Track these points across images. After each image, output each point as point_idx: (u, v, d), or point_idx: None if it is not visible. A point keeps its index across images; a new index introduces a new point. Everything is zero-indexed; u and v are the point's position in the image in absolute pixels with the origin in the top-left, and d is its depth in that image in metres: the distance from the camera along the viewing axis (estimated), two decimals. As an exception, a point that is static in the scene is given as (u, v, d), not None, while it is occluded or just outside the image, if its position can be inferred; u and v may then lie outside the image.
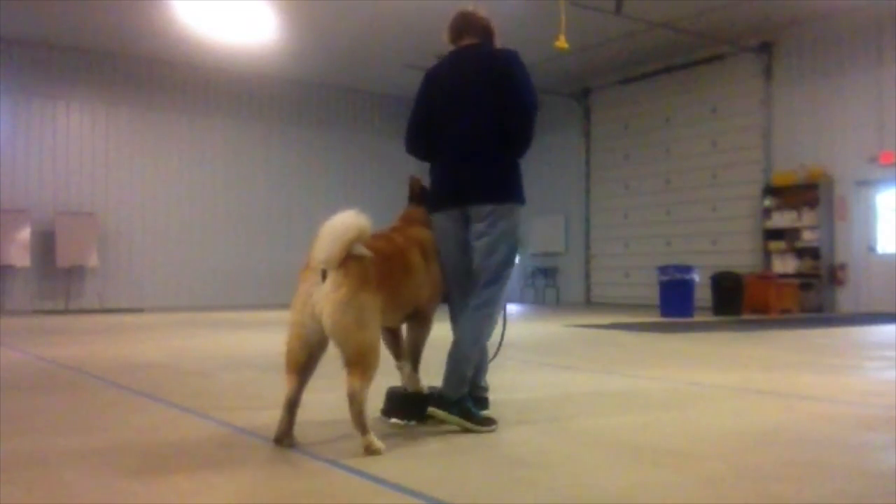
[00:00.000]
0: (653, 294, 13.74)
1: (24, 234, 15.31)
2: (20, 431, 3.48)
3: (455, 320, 3.74)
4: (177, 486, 2.58)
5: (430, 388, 3.70)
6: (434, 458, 2.93)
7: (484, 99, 3.63)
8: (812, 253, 14.14)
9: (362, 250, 3.06)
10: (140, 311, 15.44)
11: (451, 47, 3.90)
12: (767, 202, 14.76)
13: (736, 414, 3.98)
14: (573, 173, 18.52)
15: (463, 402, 3.43)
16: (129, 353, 7.05)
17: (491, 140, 3.62)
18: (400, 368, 3.65)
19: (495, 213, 3.57)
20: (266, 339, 8.83)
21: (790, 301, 13.62)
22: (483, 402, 3.71)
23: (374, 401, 3.74)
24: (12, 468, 2.80)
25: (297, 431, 3.20)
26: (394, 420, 3.57)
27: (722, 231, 15.72)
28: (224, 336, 9.16)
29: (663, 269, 13.02)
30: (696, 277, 12.76)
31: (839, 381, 5.16)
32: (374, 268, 3.11)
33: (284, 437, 3.10)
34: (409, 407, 3.56)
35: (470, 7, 3.90)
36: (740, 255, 15.07)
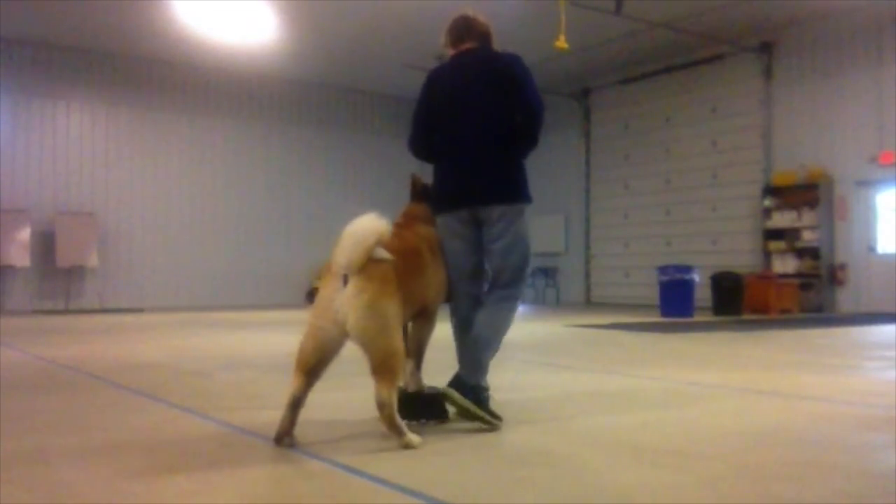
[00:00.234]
0: (653, 294, 13.74)
1: (24, 234, 15.31)
2: (20, 431, 3.48)
3: (458, 319, 3.76)
4: (177, 486, 2.58)
5: (430, 388, 3.70)
6: (434, 458, 2.93)
7: (490, 101, 3.68)
8: (812, 253, 14.14)
9: (383, 254, 3.09)
10: (140, 311, 15.44)
11: (448, 50, 3.92)
12: (767, 202, 14.76)
13: (736, 414, 3.98)
14: (573, 173, 18.52)
15: (479, 390, 3.48)
16: (129, 353, 7.05)
17: (498, 141, 3.67)
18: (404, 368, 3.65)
19: (508, 215, 3.63)
20: (266, 339, 8.83)
21: (790, 301, 13.61)
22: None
23: (371, 399, 3.75)
24: (12, 468, 2.80)
25: (298, 431, 3.20)
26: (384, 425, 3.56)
27: (722, 231, 15.72)
28: (224, 336, 9.16)
29: (663, 269, 13.02)
30: (696, 277, 12.76)
31: (839, 381, 5.16)
32: (394, 271, 3.14)
33: (285, 436, 3.11)
34: (410, 407, 3.56)
35: (470, 11, 3.91)
36: (740, 255, 15.08)
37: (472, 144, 3.68)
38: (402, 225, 3.66)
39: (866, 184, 13.77)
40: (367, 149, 20.00)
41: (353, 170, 19.75)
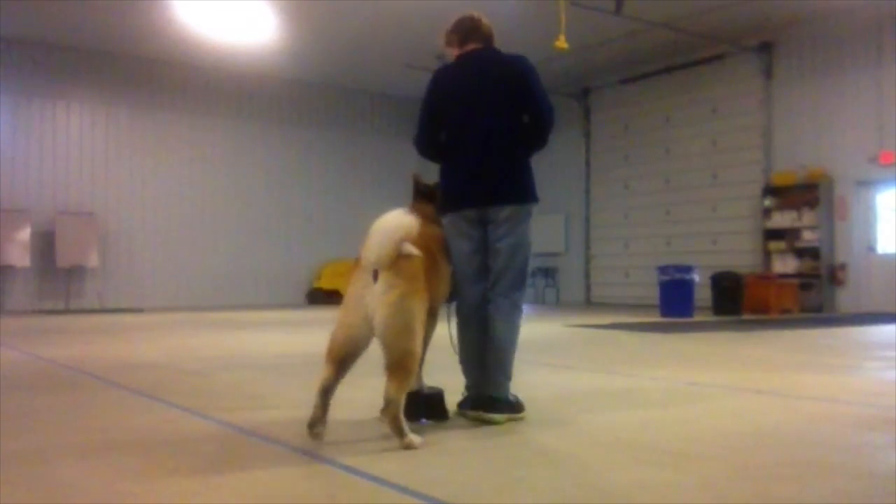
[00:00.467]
0: (653, 294, 13.74)
1: (24, 234, 15.31)
2: (20, 431, 3.48)
3: (461, 318, 3.78)
4: (177, 486, 2.58)
5: (430, 388, 3.70)
6: (434, 458, 2.93)
7: (499, 101, 3.71)
8: (812, 253, 14.14)
9: (411, 249, 3.10)
10: (140, 311, 15.43)
11: (451, 49, 3.92)
12: (767, 202, 14.76)
13: (736, 414, 3.98)
14: (573, 173, 18.52)
15: (508, 399, 3.63)
16: (129, 353, 7.05)
17: (507, 142, 3.71)
18: None
19: (517, 215, 3.68)
20: (266, 339, 8.83)
21: (790, 301, 13.61)
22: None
23: (376, 400, 3.75)
24: (12, 468, 2.80)
25: (296, 431, 3.20)
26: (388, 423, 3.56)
27: (722, 231, 15.72)
28: (223, 336, 9.16)
29: (663, 269, 13.01)
30: (696, 277, 12.76)
31: (839, 381, 5.16)
32: (422, 268, 3.17)
33: (317, 424, 3.11)
34: (410, 407, 3.56)
35: (475, 13, 3.93)
36: (740, 255, 15.07)
37: (481, 144, 3.71)
38: None
39: (866, 184, 13.77)
40: (367, 149, 20.00)
41: (353, 170, 19.75)
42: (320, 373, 3.16)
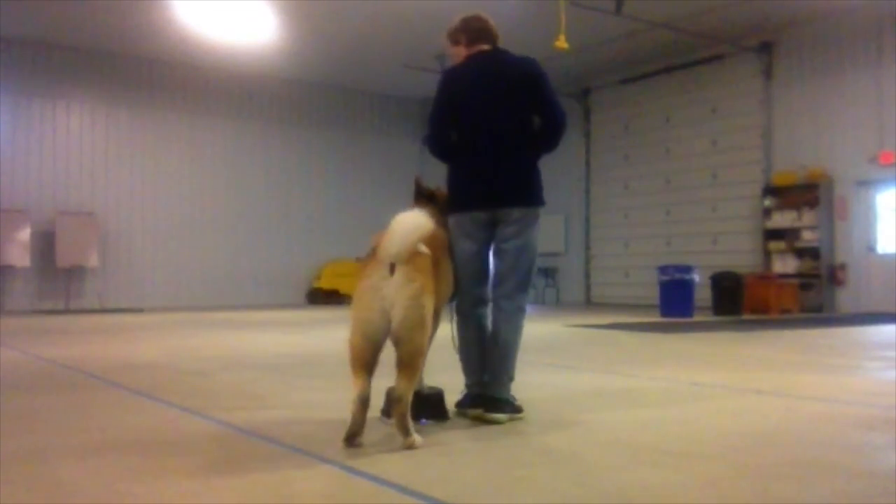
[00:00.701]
0: (653, 294, 13.74)
1: (24, 234, 15.31)
2: (20, 431, 3.48)
3: (461, 317, 3.80)
4: (177, 486, 2.58)
5: (430, 388, 3.70)
6: (434, 458, 2.93)
7: (514, 104, 3.73)
8: (812, 253, 14.14)
9: (424, 248, 3.15)
10: (140, 311, 15.44)
11: (456, 49, 3.91)
12: (767, 202, 14.76)
13: (736, 414, 3.98)
14: (573, 173, 18.52)
15: (509, 399, 3.64)
16: (128, 353, 7.05)
17: (521, 144, 3.74)
18: None
19: (526, 217, 3.70)
20: (266, 339, 8.83)
21: (790, 301, 13.61)
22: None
23: (375, 400, 3.74)
24: (12, 467, 2.80)
25: (296, 431, 3.20)
26: (394, 420, 3.56)
27: (722, 231, 15.72)
28: (223, 336, 9.16)
29: (663, 269, 13.01)
30: (696, 277, 12.76)
31: (839, 381, 5.16)
32: (432, 267, 3.22)
33: (357, 436, 3.06)
34: (410, 406, 3.56)
35: (483, 14, 3.93)
36: (740, 255, 15.07)
37: (494, 146, 3.72)
38: None
39: (866, 184, 13.77)
40: (367, 149, 20.00)
41: (353, 170, 19.75)
42: (353, 385, 3.08)
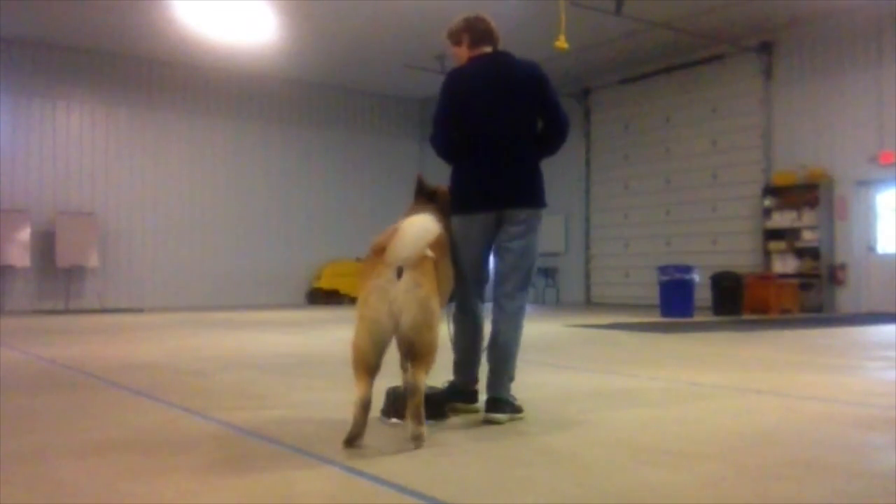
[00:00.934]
0: (653, 294, 13.74)
1: (24, 234, 15.31)
2: (20, 431, 3.48)
3: (460, 314, 3.81)
4: (177, 486, 2.58)
5: (430, 388, 3.70)
6: (434, 458, 2.93)
7: (520, 106, 3.78)
8: (812, 253, 14.14)
9: (430, 252, 3.18)
10: (140, 311, 15.44)
11: (459, 49, 3.93)
12: (767, 202, 14.76)
13: (736, 414, 3.98)
14: (573, 173, 18.52)
15: (510, 400, 3.65)
16: (128, 353, 7.05)
17: (527, 146, 3.79)
18: (405, 367, 3.65)
19: (531, 219, 3.75)
20: (265, 339, 8.83)
21: (790, 301, 13.61)
22: (472, 396, 3.85)
23: (375, 401, 3.75)
24: (12, 467, 2.80)
25: (296, 431, 3.20)
26: (393, 420, 3.57)
27: (722, 231, 15.72)
28: (223, 336, 9.16)
29: (663, 269, 13.02)
30: (696, 277, 12.76)
31: (839, 381, 5.16)
32: (435, 269, 3.25)
33: (358, 439, 3.06)
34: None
35: (485, 15, 3.95)
36: (740, 255, 15.07)
37: (502, 147, 3.75)
38: None
39: (866, 184, 13.76)
40: (367, 149, 20.01)
41: (353, 170, 19.76)
42: (355, 388, 3.08)
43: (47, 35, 15.46)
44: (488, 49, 3.90)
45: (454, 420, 3.65)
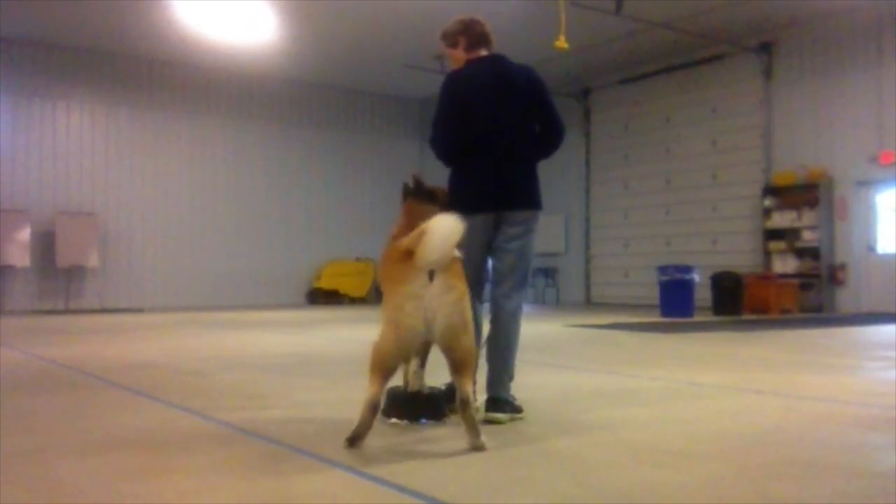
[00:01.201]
0: (653, 294, 13.74)
1: (24, 234, 15.32)
2: (20, 431, 3.48)
3: None
4: (177, 486, 2.58)
5: (430, 388, 3.70)
6: (434, 459, 2.93)
7: (520, 109, 3.83)
8: (812, 253, 14.14)
9: (458, 253, 3.17)
10: (140, 311, 15.44)
11: (453, 51, 3.94)
12: (767, 202, 14.76)
13: (736, 414, 3.98)
14: (573, 173, 18.52)
15: (510, 399, 3.66)
16: (128, 353, 7.05)
17: (526, 148, 3.85)
18: (406, 367, 3.65)
19: (530, 220, 3.80)
20: (266, 339, 8.83)
21: (790, 301, 13.61)
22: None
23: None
24: (12, 467, 2.80)
25: (296, 431, 3.20)
26: (394, 420, 3.57)
27: (722, 231, 15.72)
28: (223, 336, 9.16)
29: (663, 269, 13.02)
30: (696, 277, 12.76)
31: (839, 381, 5.16)
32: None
33: (361, 439, 3.05)
34: (409, 406, 3.56)
35: (480, 17, 3.96)
36: (740, 255, 15.07)
37: (503, 149, 3.79)
38: (418, 226, 3.60)
39: (866, 184, 13.77)
40: (367, 149, 20.01)
41: (353, 170, 19.76)
42: (368, 387, 3.04)
43: (47, 35, 15.46)
44: (484, 52, 3.94)
45: (454, 420, 3.65)
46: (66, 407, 4.21)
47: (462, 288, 3.13)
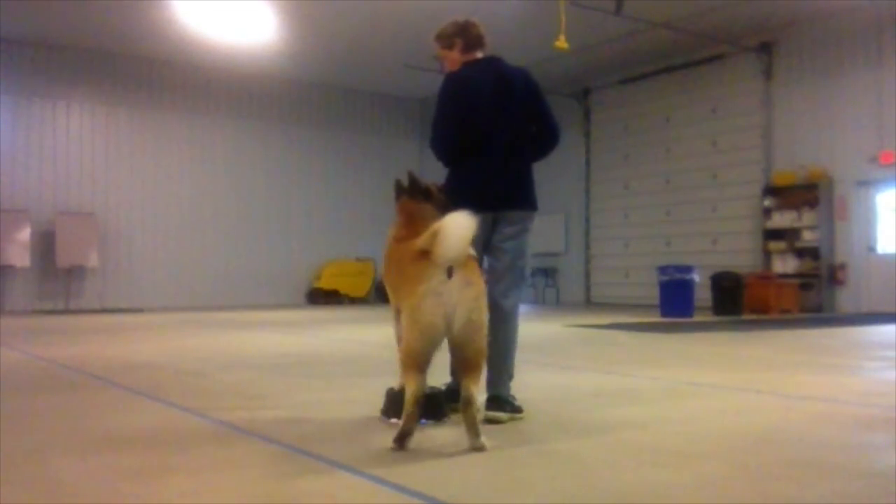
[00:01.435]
0: (653, 294, 13.74)
1: (24, 234, 15.32)
2: (20, 431, 3.48)
3: None
4: (177, 486, 2.58)
5: (430, 388, 3.69)
6: (434, 459, 2.93)
7: (518, 111, 3.89)
8: (812, 253, 14.14)
9: (472, 250, 3.17)
10: (140, 311, 15.44)
11: (448, 52, 3.97)
12: (767, 202, 14.76)
13: (736, 414, 3.98)
14: (573, 173, 18.52)
15: (510, 399, 3.69)
16: (128, 353, 7.05)
17: (524, 149, 3.92)
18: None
19: (526, 220, 3.88)
20: (266, 339, 8.83)
21: (790, 301, 13.61)
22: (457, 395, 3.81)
23: (373, 400, 3.75)
24: (12, 467, 2.80)
25: (296, 431, 3.19)
26: (393, 420, 3.56)
27: (722, 231, 15.72)
28: (223, 336, 9.16)
29: (663, 269, 13.02)
30: (696, 277, 12.76)
31: (839, 381, 5.16)
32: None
33: (410, 435, 3.03)
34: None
35: (474, 19, 3.99)
36: (740, 255, 15.07)
37: (503, 150, 3.84)
38: (417, 224, 3.54)
39: (866, 184, 13.76)
40: (367, 149, 20.01)
41: (353, 170, 19.76)
42: (407, 385, 3.04)
43: (47, 35, 15.46)
44: (479, 54, 3.99)
45: (454, 420, 3.65)
46: (66, 407, 4.21)
47: (481, 285, 3.14)
